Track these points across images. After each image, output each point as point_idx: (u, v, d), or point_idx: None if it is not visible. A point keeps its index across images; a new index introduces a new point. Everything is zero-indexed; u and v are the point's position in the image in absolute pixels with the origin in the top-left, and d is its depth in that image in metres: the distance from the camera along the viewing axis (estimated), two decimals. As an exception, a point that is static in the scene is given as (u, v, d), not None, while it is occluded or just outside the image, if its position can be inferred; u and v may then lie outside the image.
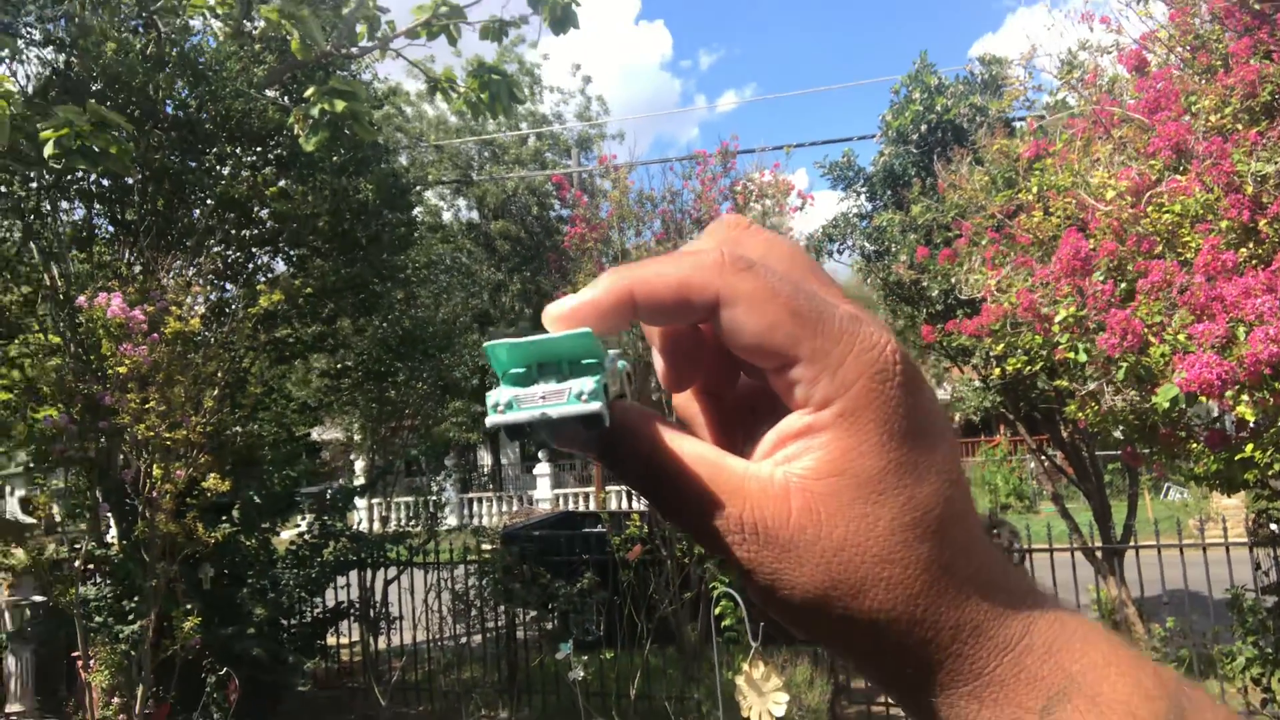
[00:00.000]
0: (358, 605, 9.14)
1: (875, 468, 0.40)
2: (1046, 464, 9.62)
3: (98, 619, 6.92)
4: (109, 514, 7.46)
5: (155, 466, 6.15)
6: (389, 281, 9.44)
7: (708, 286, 0.39)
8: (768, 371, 0.41)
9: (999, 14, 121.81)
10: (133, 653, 6.56)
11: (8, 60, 6.94)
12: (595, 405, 0.40)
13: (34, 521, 7.59)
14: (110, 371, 5.93)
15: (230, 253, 8.57)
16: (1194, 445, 4.65)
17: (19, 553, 6.83)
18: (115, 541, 7.60)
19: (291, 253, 9.08)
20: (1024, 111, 8.35)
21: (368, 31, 7.76)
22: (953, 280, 6.86)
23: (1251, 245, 4.21)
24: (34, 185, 7.40)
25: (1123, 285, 4.48)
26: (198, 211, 8.10)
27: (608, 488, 21.48)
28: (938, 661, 0.41)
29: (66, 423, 6.11)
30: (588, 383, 0.40)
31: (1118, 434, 5.06)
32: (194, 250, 7.74)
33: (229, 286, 8.77)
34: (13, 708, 8.98)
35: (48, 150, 5.14)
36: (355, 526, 9.81)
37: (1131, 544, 7.61)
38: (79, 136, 5.09)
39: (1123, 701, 0.40)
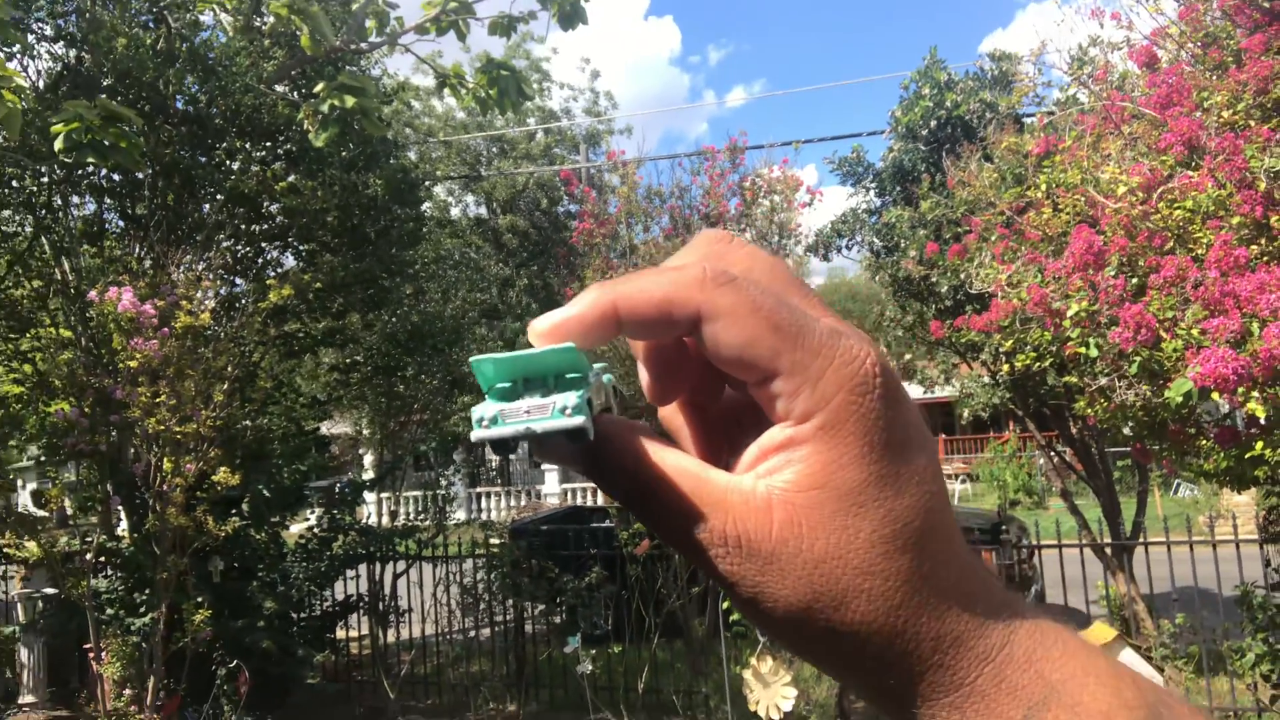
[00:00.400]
0: (367, 599, 9.18)
1: (855, 480, 0.40)
2: (1056, 460, 9.60)
3: (109, 611, 6.97)
4: (119, 507, 7.50)
5: (166, 460, 6.18)
6: (398, 276, 9.46)
7: (690, 301, 0.40)
8: (750, 385, 0.41)
9: (1009, 9, 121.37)
10: (144, 645, 6.60)
11: (19, 55, 6.97)
12: (578, 420, 0.40)
13: (45, 515, 7.64)
14: (121, 366, 5.95)
15: (240, 248, 8.60)
16: (1204, 442, 4.64)
17: (32, 545, 6.87)
18: (126, 535, 7.65)
19: (301, 248, 9.10)
20: (1034, 108, 8.32)
21: (377, 27, 7.77)
22: (962, 275, 6.84)
23: (1264, 241, 4.19)
24: (45, 180, 7.43)
25: (1134, 281, 4.47)
26: (207, 206, 8.13)
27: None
28: (919, 673, 0.41)
29: (78, 416, 6.15)
30: (571, 397, 0.40)
31: (1127, 430, 5.05)
32: (204, 245, 7.77)
33: (239, 281, 8.80)
34: (26, 699, 9.05)
35: (58, 144, 5.16)
36: (364, 520, 9.85)
37: (1141, 540, 7.59)
38: (89, 131, 5.10)
39: (1102, 711, 0.40)
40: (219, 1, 7.88)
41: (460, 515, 22.53)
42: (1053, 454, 9.63)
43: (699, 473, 0.42)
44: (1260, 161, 4.02)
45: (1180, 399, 3.98)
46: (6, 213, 8.08)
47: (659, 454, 0.42)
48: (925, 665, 0.41)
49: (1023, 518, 13.18)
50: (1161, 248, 4.44)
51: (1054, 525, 7.50)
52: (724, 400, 0.47)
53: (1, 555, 8.38)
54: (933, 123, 8.96)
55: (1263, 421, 4.17)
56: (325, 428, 12.44)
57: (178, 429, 5.97)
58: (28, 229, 8.03)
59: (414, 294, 10.22)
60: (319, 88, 6.76)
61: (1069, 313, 4.45)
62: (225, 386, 6.62)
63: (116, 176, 7.71)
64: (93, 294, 6.02)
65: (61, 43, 7.47)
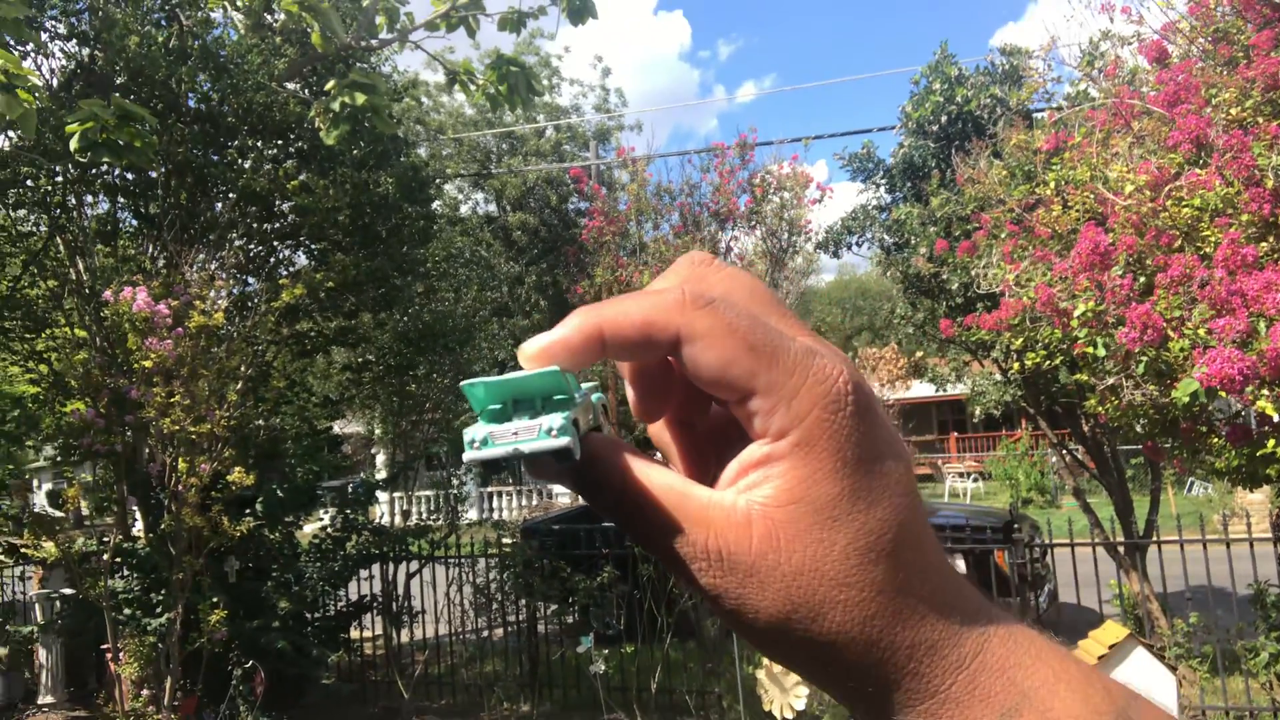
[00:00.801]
0: (380, 599, 9.20)
1: (830, 494, 0.41)
2: (1068, 458, 9.56)
3: (126, 612, 7.01)
4: (134, 508, 7.55)
5: (180, 460, 6.21)
6: (409, 275, 9.47)
7: (669, 324, 0.41)
8: (730, 403, 0.43)
9: (1020, 2, 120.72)
10: (160, 645, 6.64)
11: (33, 54, 7.01)
12: (564, 440, 0.41)
13: (61, 515, 7.70)
14: (136, 366, 5.98)
15: (252, 246, 8.63)
16: (1215, 440, 4.62)
17: (49, 546, 6.92)
18: (141, 535, 7.69)
19: (313, 246, 9.13)
20: (1044, 104, 8.29)
21: (387, 24, 7.79)
22: (972, 273, 6.82)
23: (1272, 239, 4.17)
24: (59, 179, 7.47)
25: (1141, 280, 4.44)
26: (220, 205, 8.16)
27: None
28: (895, 681, 0.42)
29: (94, 417, 6.18)
30: (557, 419, 0.41)
31: (1139, 428, 5.03)
32: (216, 244, 7.81)
33: (250, 280, 8.84)
34: (44, 699, 9.11)
35: (73, 144, 5.18)
36: (378, 520, 9.88)
37: (1154, 539, 7.55)
38: (104, 130, 5.13)
39: (1073, 716, 0.41)
40: None
41: (471, 515, 22.59)
42: (1065, 452, 9.59)
43: (682, 489, 0.43)
44: (1268, 159, 3.99)
45: (1187, 399, 3.96)
46: (21, 212, 8.13)
47: (643, 471, 0.44)
48: (901, 673, 0.42)
49: (1035, 516, 13.13)
50: (1170, 246, 4.42)
51: (1066, 523, 7.47)
52: (711, 417, 0.49)
53: (19, 555, 8.45)
54: (943, 118, 8.92)
55: (1275, 420, 4.15)
56: (337, 427, 12.49)
57: (192, 429, 6.01)
58: (43, 228, 8.07)
59: (425, 292, 10.23)
60: (330, 85, 6.78)
61: (1076, 313, 4.43)
62: (239, 386, 6.65)
63: (130, 175, 7.74)
64: (108, 294, 6.05)
65: (74, 41, 7.51)
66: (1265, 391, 3.91)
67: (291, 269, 9.28)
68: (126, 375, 6.47)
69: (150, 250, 8.04)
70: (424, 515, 11.37)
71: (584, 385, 0.46)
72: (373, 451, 20.87)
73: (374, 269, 8.72)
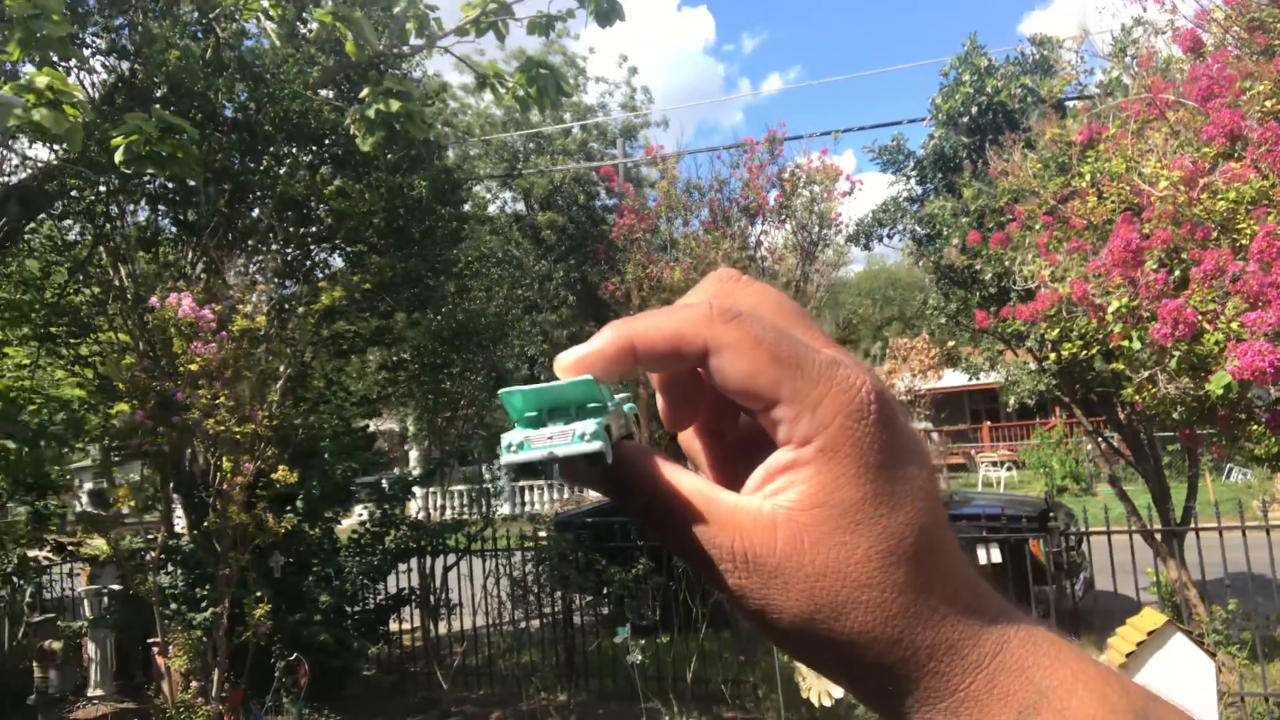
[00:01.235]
0: (418, 591, 9.35)
1: (853, 499, 0.42)
2: (1103, 446, 9.50)
3: (172, 606, 7.20)
4: (176, 506, 7.74)
5: (225, 459, 6.37)
6: (442, 275, 9.59)
7: (697, 336, 0.43)
8: (756, 412, 0.44)
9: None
10: (206, 638, 6.82)
11: (76, 69, 7.19)
12: (596, 445, 0.43)
13: (101, 514, 7.91)
14: (181, 369, 6.15)
15: (289, 250, 8.80)
16: (1255, 427, 4.61)
17: (99, 543, 7.12)
18: (185, 532, 7.88)
19: (348, 249, 9.27)
20: (1076, 94, 8.24)
21: (417, 29, 7.90)
22: (1006, 263, 6.81)
23: (1307, 231, 4.15)
24: (102, 190, 7.66)
25: (1177, 273, 4.45)
26: (257, 211, 8.32)
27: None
28: (916, 680, 0.43)
29: (142, 418, 6.35)
30: (590, 424, 0.44)
31: (1176, 416, 5.02)
32: (254, 249, 7.97)
33: (288, 283, 9.00)
34: (93, 691, 9.36)
35: (118, 156, 5.34)
36: (417, 515, 10.02)
37: (1192, 526, 7.50)
38: (147, 142, 5.28)
39: (1089, 715, 0.42)
40: (263, 9, 8.07)
41: (505, 509, 22.77)
42: (1100, 440, 9.54)
43: (709, 493, 0.45)
44: (1304, 151, 3.99)
45: (1221, 391, 3.98)
46: (67, 222, 8.35)
47: (673, 475, 0.45)
48: (921, 672, 0.43)
49: (1070, 504, 13.05)
50: (1205, 239, 4.41)
51: (1102, 511, 7.45)
52: (739, 426, 0.51)
53: (66, 553, 8.69)
54: (973, 109, 8.89)
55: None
56: (371, 424, 12.67)
57: (237, 429, 6.16)
58: (87, 238, 8.27)
59: (458, 292, 10.35)
60: (364, 93, 6.89)
61: (1110, 309, 4.45)
62: (279, 386, 6.80)
63: (170, 184, 7.92)
64: (153, 300, 6.21)
65: (114, 55, 7.69)
66: (1304, 379, 3.91)
67: (327, 272, 9.44)
68: (171, 378, 6.64)
69: (190, 256, 8.22)
70: (460, 510, 11.53)
71: (616, 395, 0.48)
72: (406, 448, 21.10)
73: (408, 270, 8.85)
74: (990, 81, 8.84)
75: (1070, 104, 8.16)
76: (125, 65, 7.62)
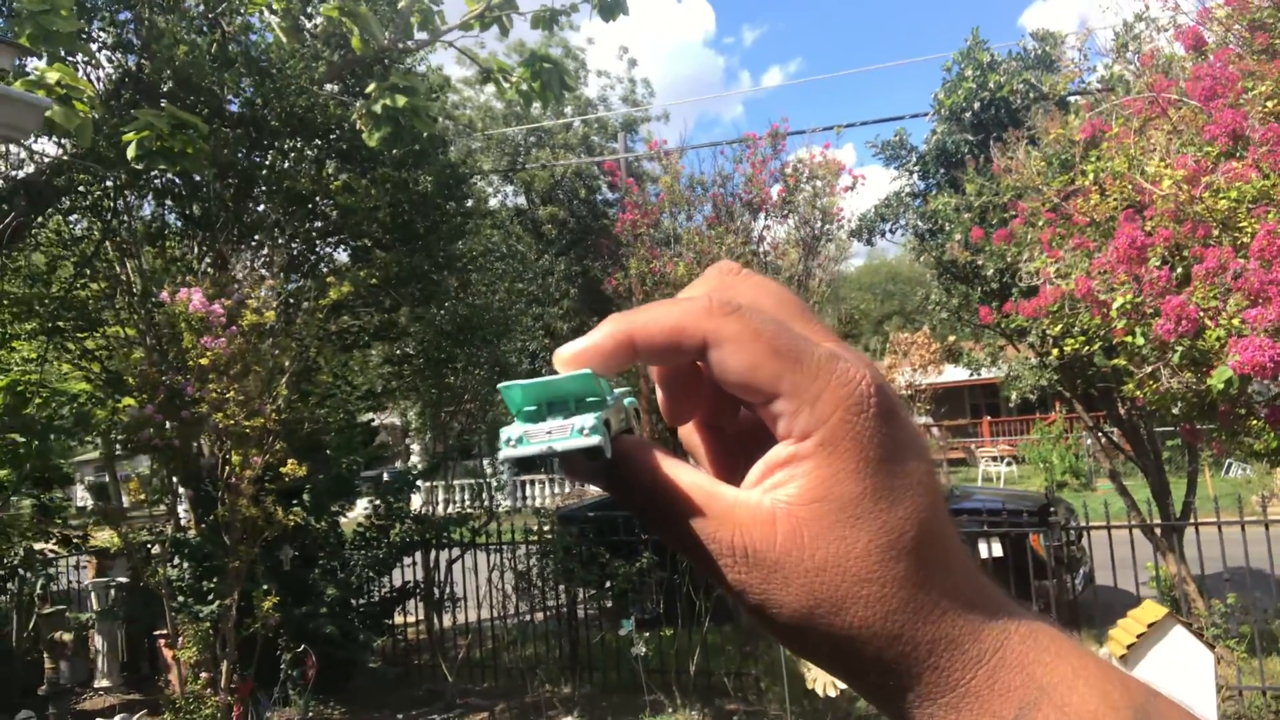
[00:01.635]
0: (422, 585, 9.41)
1: (853, 493, 0.42)
2: (1103, 441, 9.55)
3: (179, 599, 7.26)
4: (182, 500, 7.79)
5: (234, 453, 6.42)
6: (446, 270, 9.63)
7: (697, 330, 0.43)
8: (756, 405, 0.44)
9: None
10: (214, 630, 6.88)
11: (83, 64, 7.22)
12: (595, 439, 0.43)
13: (112, 507, 7.96)
14: (191, 363, 6.19)
15: (295, 245, 8.84)
16: (1255, 422, 4.66)
17: (105, 535, 7.17)
18: (191, 525, 7.93)
19: (353, 244, 9.31)
20: (1079, 90, 8.26)
21: (421, 23, 7.93)
22: (1008, 259, 6.85)
23: (1308, 230, 4.21)
24: (108, 184, 7.70)
25: (1179, 270, 4.50)
26: (263, 205, 8.36)
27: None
28: (916, 675, 0.43)
29: (152, 413, 6.40)
30: (589, 419, 0.44)
31: (1176, 411, 5.07)
32: (260, 244, 8.01)
33: (293, 278, 9.04)
34: (100, 683, 9.44)
35: (130, 152, 5.39)
36: (421, 509, 10.08)
37: (1191, 521, 7.55)
38: (159, 138, 5.32)
39: (1090, 711, 0.42)
40: (267, 3, 8.10)
41: (506, 503, 22.82)
42: (1100, 435, 9.58)
43: (709, 488, 0.44)
44: (1305, 151, 4.05)
45: (1222, 386, 4.04)
46: (74, 216, 8.38)
47: (672, 470, 0.45)
48: (922, 667, 0.42)
49: (1070, 499, 13.12)
50: (1206, 237, 4.47)
51: (1102, 506, 7.50)
52: (741, 420, 0.50)
53: (72, 546, 8.75)
54: (976, 104, 8.92)
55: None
56: (374, 419, 12.71)
57: (246, 423, 6.21)
58: (94, 233, 8.31)
59: (460, 286, 10.39)
60: (371, 88, 6.93)
61: (1114, 305, 4.51)
62: (285, 380, 6.85)
63: (177, 179, 7.97)
64: (164, 295, 6.26)
65: (120, 50, 7.72)
66: (1303, 374, 3.97)
67: (332, 266, 9.48)
68: (180, 372, 6.69)
69: (196, 251, 8.26)
70: (462, 504, 11.57)
71: (616, 390, 0.47)
72: (408, 441, 21.13)
73: (413, 265, 8.89)
74: (993, 77, 8.87)
75: (1073, 99, 8.19)
76: (131, 60, 7.65)
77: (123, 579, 9.31)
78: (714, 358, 0.43)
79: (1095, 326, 5.05)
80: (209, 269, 7.86)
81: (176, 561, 7.62)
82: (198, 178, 7.74)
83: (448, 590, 9.51)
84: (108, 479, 9.88)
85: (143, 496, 7.28)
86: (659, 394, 0.49)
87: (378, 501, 9.19)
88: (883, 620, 0.42)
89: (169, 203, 8.54)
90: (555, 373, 0.45)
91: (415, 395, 11.41)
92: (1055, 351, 5.97)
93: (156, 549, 8.00)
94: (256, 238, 8.00)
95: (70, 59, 6.42)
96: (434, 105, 8.27)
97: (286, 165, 8.31)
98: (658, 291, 8.45)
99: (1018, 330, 7.82)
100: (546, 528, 8.93)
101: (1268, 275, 3.96)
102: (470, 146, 23.25)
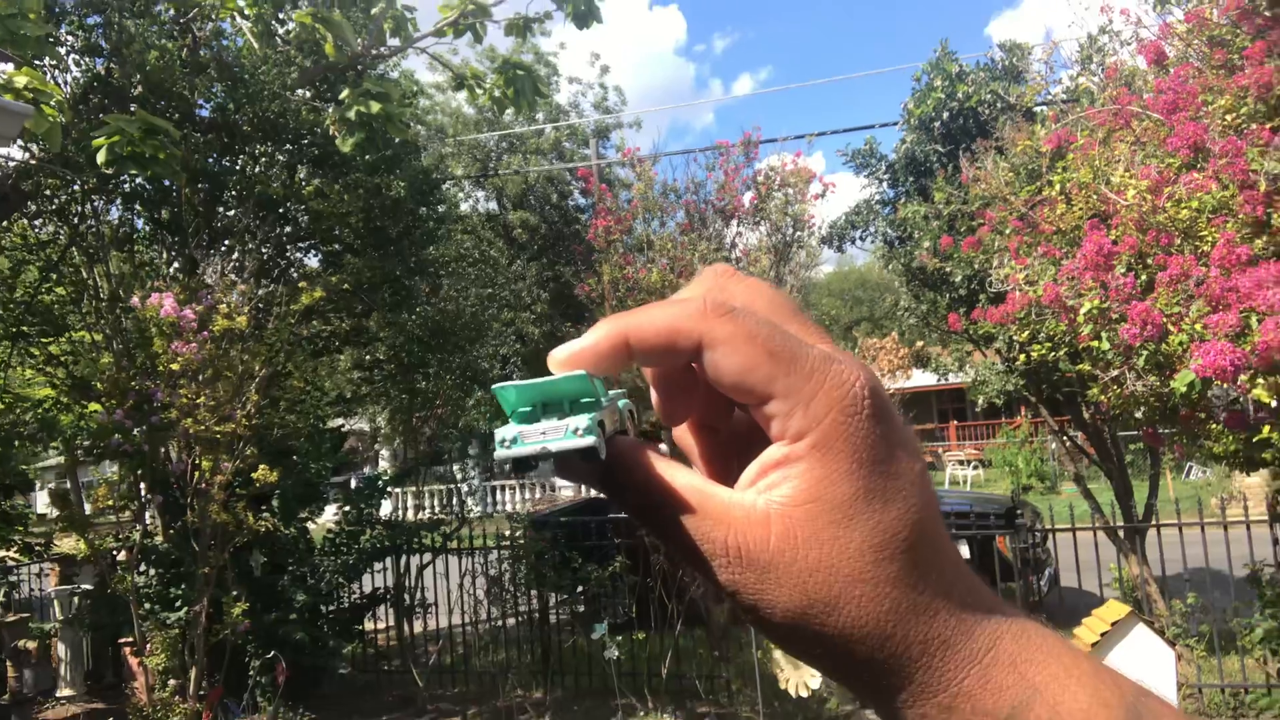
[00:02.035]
0: (393, 591, 9.37)
1: (846, 494, 0.42)
2: (1068, 445, 9.72)
3: (145, 606, 7.18)
4: (151, 505, 7.70)
5: (204, 459, 6.37)
6: (418, 275, 9.61)
7: (692, 331, 0.43)
8: (750, 407, 0.44)
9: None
10: (184, 637, 6.81)
11: (52, 69, 7.14)
12: (589, 440, 0.43)
13: (77, 513, 7.84)
14: (162, 369, 6.14)
15: (266, 250, 8.78)
16: (1214, 426, 4.79)
17: (79, 543, 7.06)
18: (159, 531, 7.85)
19: (325, 249, 9.27)
20: (1045, 100, 8.42)
21: (395, 30, 7.91)
22: (976, 266, 6.97)
23: (1265, 239, 4.37)
24: (76, 188, 7.61)
25: (1144, 277, 4.63)
26: (234, 211, 8.30)
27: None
28: (909, 674, 0.43)
29: (121, 418, 6.34)
30: (583, 420, 0.43)
31: (1139, 415, 5.19)
32: (231, 249, 7.95)
33: (264, 283, 8.98)
34: (63, 692, 9.29)
35: (101, 157, 5.33)
36: (393, 515, 10.03)
37: (1153, 523, 7.71)
38: (130, 143, 5.28)
39: (1082, 709, 0.42)
40: (238, 8, 8.05)
41: (476, 509, 22.72)
42: (1065, 439, 9.75)
43: (703, 488, 0.45)
44: (1261, 164, 4.19)
45: (1184, 389, 4.16)
46: (39, 220, 8.27)
47: (667, 471, 0.45)
48: (915, 667, 0.43)
49: (1036, 502, 13.31)
50: (1169, 245, 4.60)
51: (1067, 509, 7.63)
52: (735, 422, 0.50)
53: (34, 553, 8.62)
54: (944, 114, 9.06)
55: (1273, 405, 4.32)
56: (344, 424, 12.62)
57: (216, 429, 6.16)
58: (61, 237, 8.21)
59: (431, 291, 10.36)
60: (344, 94, 6.91)
61: (1082, 310, 4.63)
62: (256, 385, 6.81)
63: (148, 184, 7.89)
64: (135, 300, 6.20)
65: (89, 54, 7.64)
66: (1261, 380, 4.10)
67: (302, 271, 9.43)
68: (149, 377, 6.62)
69: (165, 255, 8.19)
70: (433, 509, 11.54)
71: (611, 392, 0.47)
72: (376, 447, 20.98)
73: (385, 270, 8.86)
74: (961, 87, 9.01)
75: (1040, 109, 8.35)
76: (100, 64, 7.57)
77: (87, 586, 9.18)
78: (708, 359, 0.43)
79: (1061, 332, 5.16)
80: (178, 274, 7.79)
81: (144, 568, 7.54)
82: (168, 183, 7.67)
83: (419, 596, 9.47)
84: (69, 486, 9.75)
85: (110, 502, 7.18)
86: (653, 395, 0.49)
87: (347, 507, 9.14)
88: (876, 620, 0.42)
89: (138, 207, 8.45)
90: (525, 378, 0.46)
91: (386, 400, 11.35)
92: (1022, 357, 6.09)
93: (123, 555, 7.90)
94: (227, 243, 7.94)
95: (39, 63, 6.35)
96: (407, 111, 8.24)
97: (258, 170, 8.25)
98: (630, 298, 8.48)
99: (985, 336, 7.94)
100: (519, 532, 8.92)
101: (1227, 282, 4.09)
102: (442, 152, 23.17)
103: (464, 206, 25.62)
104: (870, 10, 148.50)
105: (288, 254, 9.26)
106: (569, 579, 8.53)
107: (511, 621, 9.18)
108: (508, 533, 9.02)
